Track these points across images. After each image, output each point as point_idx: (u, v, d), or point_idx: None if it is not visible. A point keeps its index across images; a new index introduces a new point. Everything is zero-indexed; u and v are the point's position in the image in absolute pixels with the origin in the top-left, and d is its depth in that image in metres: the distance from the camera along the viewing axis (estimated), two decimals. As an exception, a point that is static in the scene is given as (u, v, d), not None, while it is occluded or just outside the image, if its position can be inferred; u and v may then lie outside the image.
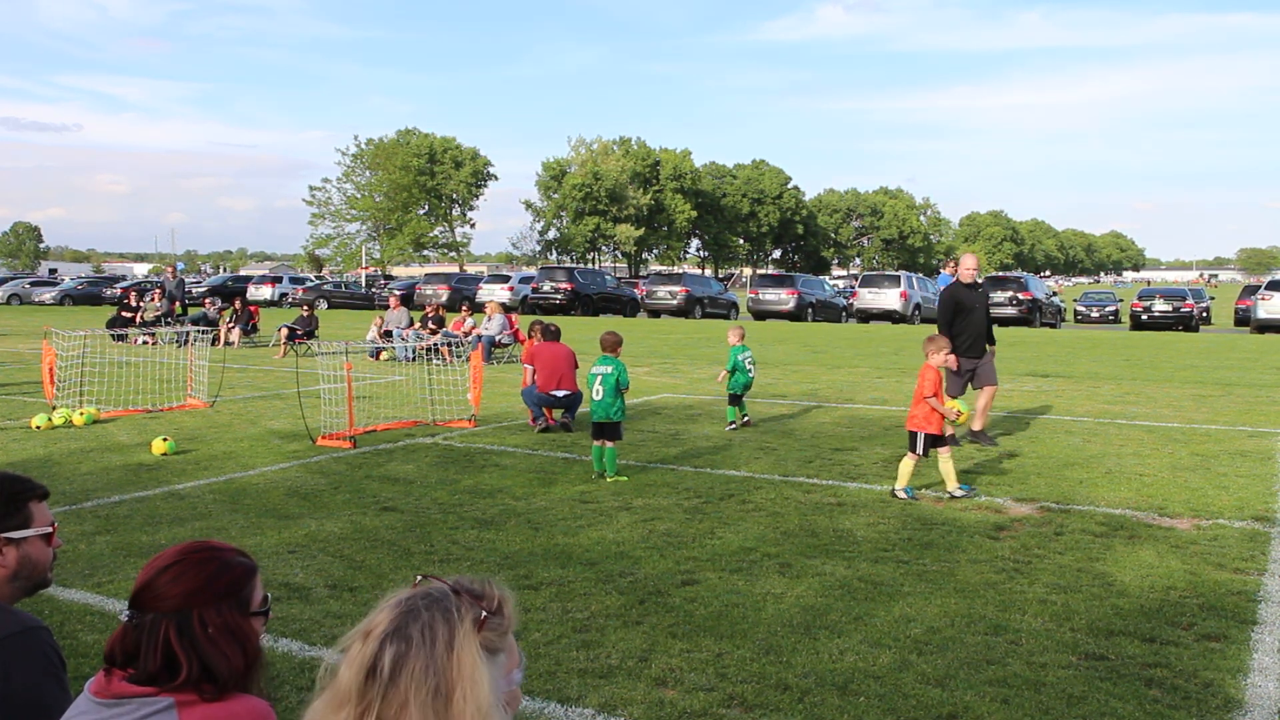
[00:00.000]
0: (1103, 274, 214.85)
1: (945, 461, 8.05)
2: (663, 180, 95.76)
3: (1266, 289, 36.21)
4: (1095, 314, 46.17)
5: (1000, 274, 44.83)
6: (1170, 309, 38.84)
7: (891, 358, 21.25)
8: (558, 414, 11.36)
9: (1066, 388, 15.79)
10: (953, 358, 8.53)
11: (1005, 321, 36.50)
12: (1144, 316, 39.09)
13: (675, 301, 40.07)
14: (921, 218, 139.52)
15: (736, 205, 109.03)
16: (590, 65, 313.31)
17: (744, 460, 9.53)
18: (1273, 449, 10.23)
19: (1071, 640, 4.94)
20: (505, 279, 44.87)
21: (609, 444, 8.69)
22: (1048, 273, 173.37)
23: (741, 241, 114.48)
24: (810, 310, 39.22)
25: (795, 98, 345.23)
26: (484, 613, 1.34)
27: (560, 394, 11.24)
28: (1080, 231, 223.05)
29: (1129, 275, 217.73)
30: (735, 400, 11.52)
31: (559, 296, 39.96)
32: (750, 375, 11.64)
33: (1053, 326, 38.39)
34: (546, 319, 16.79)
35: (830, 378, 17.13)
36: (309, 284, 51.78)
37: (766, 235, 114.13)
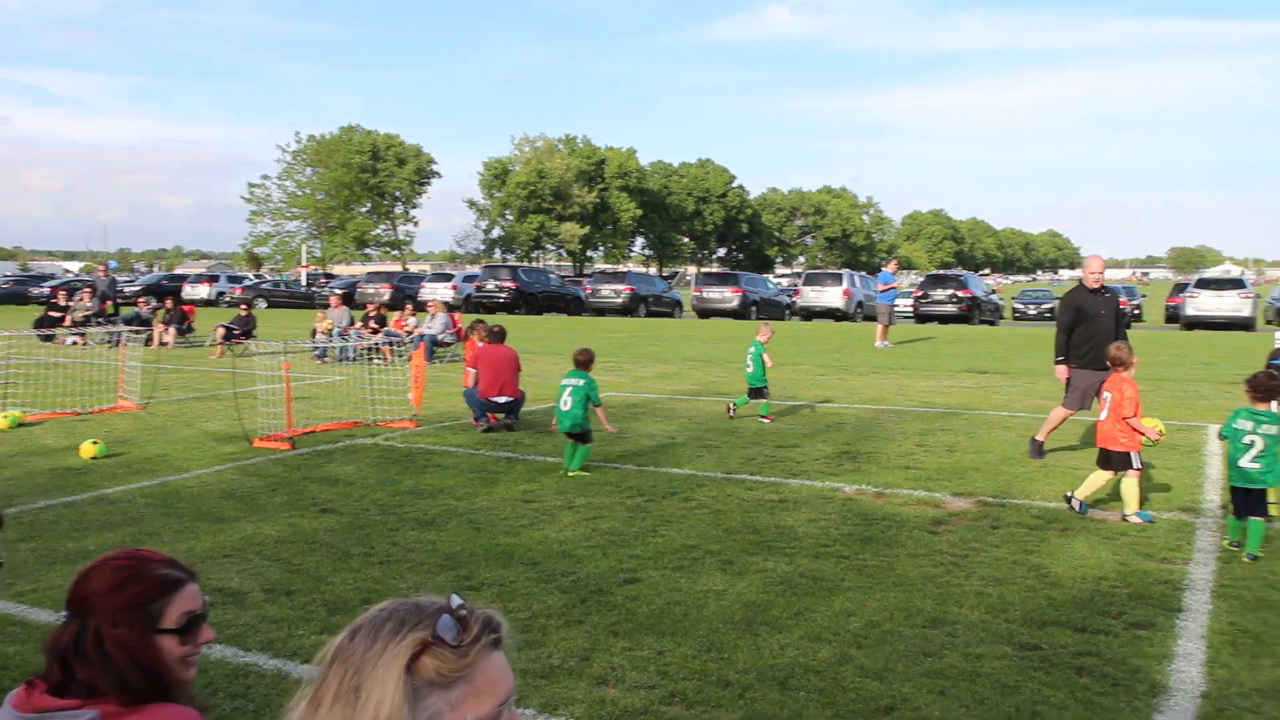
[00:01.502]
0: (1040, 272, 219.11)
1: (1131, 483, 7.38)
2: (608, 179, 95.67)
3: (1195, 287, 37.19)
4: (1032, 311, 47.01)
5: (940, 272, 45.48)
6: (1105, 306, 39.51)
7: (834, 355, 21.45)
8: (500, 414, 11.31)
9: (1004, 384, 16.05)
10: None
11: (946, 319, 37.05)
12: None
13: (620, 300, 40.04)
14: (864, 216, 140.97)
15: (682, 204, 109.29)
16: (535, 63, 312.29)
17: (687, 458, 9.56)
18: (1200, 442, 10.49)
19: (1007, 631, 5.03)
20: (448, 277, 44.50)
21: (580, 444, 8.88)
22: (987, 271, 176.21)
23: (686, 240, 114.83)
24: (754, 308, 39.42)
25: (741, 97, 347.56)
26: (428, 639, 1.30)
27: (502, 400, 11.19)
28: (1018, 230, 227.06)
29: (1065, 273, 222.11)
30: (752, 394, 12.18)
31: (503, 295, 39.74)
32: (749, 369, 12.19)
33: (991, 324, 39.00)
34: (490, 319, 16.69)
35: (773, 375, 17.17)
36: (247, 283, 50.91)
37: (711, 233, 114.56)
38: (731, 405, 12.17)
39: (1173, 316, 41.10)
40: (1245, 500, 6.49)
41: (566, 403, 8.87)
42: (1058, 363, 9.72)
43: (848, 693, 4.31)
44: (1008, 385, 15.83)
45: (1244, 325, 34.72)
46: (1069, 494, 7.63)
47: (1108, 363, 7.86)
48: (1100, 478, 7.50)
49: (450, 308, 26.25)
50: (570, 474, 8.74)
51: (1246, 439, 6.54)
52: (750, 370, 12.17)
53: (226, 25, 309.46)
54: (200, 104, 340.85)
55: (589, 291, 41.89)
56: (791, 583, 5.79)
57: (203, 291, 47.72)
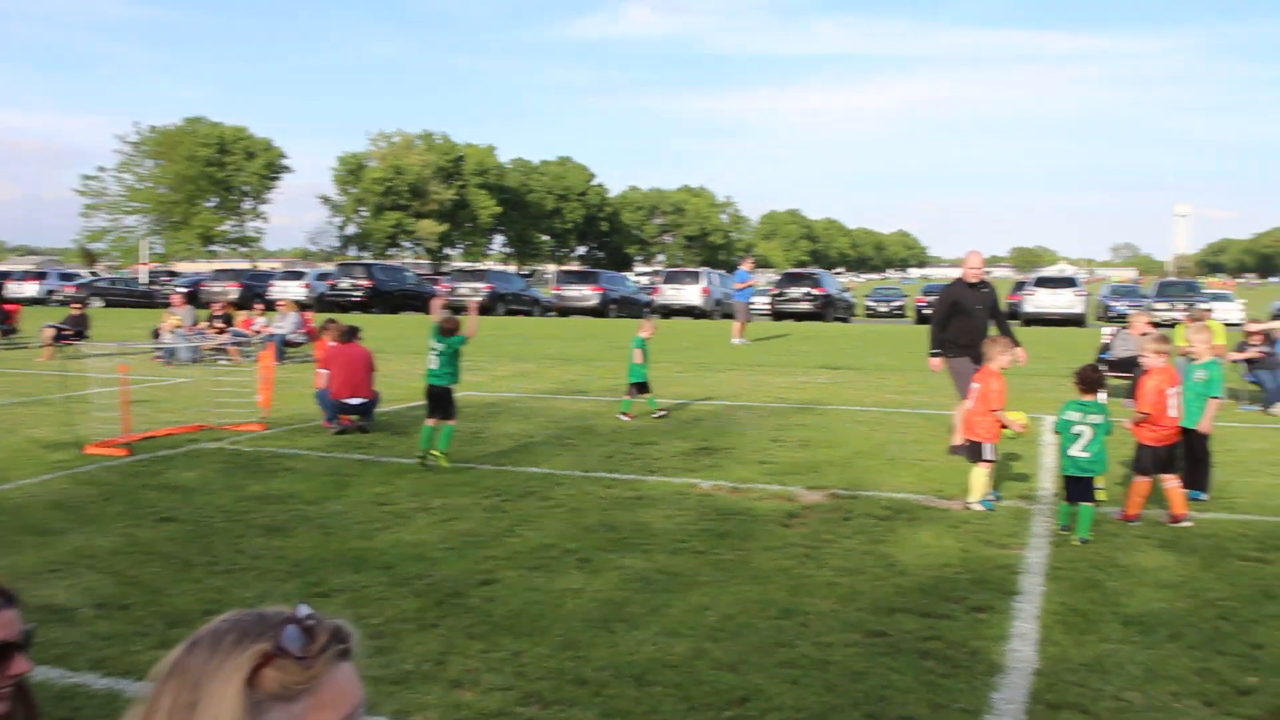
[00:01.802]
0: (891, 270, 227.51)
1: (980, 473, 7.61)
2: (466, 175, 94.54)
3: (1033, 285, 39.29)
4: (884, 308, 48.79)
5: (796, 270, 46.64)
6: (950, 303, 41.34)
7: (692, 352, 21.72)
8: (354, 415, 11.01)
9: (856, 379, 16.54)
10: (1017, 353, 7.88)
11: (801, 316, 38.00)
12: (928, 310, 41.55)
13: (479, 299, 39.56)
14: (722, 216, 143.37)
15: (541, 201, 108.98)
16: (393, 56, 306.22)
17: (545, 457, 9.51)
18: (1036, 433, 11.02)
19: (856, 619, 5.17)
20: (300, 275, 43.13)
21: (446, 421, 8.85)
22: (841, 269, 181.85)
23: (546, 237, 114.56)
24: (613, 306, 39.60)
25: (602, 95, 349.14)
26: (271, 650, 1.22)
27: (355, 401, 10.90)
28: (871, 230, 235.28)
29: (914, 272, 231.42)
30: (640, 389, 11.95)
31: (358, 293, 38.78)
32: (637, 364, 11.99)
33: (844, 321, 40.20)
34: (344, 318, 16.25)
35: (633, 372, 17.31)
36: (80, 280, 48.17)
37: (571, 231, 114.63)
38: (657, 410, 11.99)
39: (1013, 313, 43.24)
40: (1076, 487, 6.85)
41: (434, 363, 8.92)
42: (932, 355, 9.73)
43: (703, 686, 4.36)
44: (860, 381, 16.32)
45: (1076, 321, 36.91)
46: (966, 503, 7.65)
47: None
48: (981, 474, 7.64)
49: (302, 306, 25.45)
50: (434, 453, 8.73)
51: (1076, 429, 6.90)
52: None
53: (51, 5, 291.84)
54: (23, 89, 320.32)
55: (446, 290, 41.29)
56: (648, 579, 5.82)
57: (29, 289, 44.86)
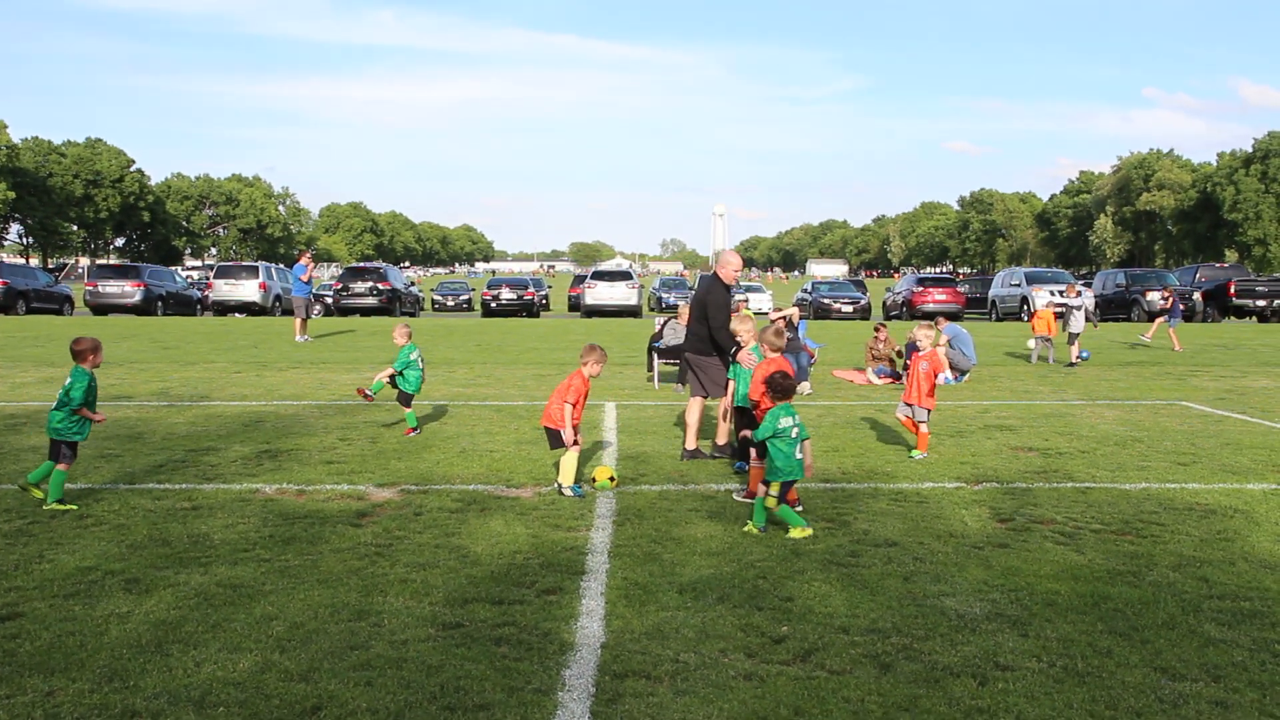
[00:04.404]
0: (457, 264, 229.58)
1: (571, 457, 7.90)
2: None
3: (591, 279, 41.66)
4: (451, 302, 49.27)
5: (361, 264, 45.65)
6: (515, 297, 42.91)
7: (251, 351, 20.51)
8: None
9: (425, 373, 16.47)
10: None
11: (368, 311, 37.28)
12: (493, 304, 42.65)
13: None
14: (280, 207, 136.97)
15: (68, 187, 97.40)
16: None
17: (79, 471, 8.47)
18: (598, 419, 11.68)
19: (430, 614, 5.15)
20: None
21: (58, 466, 7.32)
22: (407, 263, 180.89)
23: (76, 228, 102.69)
24: (160, 304, 36.38)
25: (136, 73, 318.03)
26: None
27: None
28: (436, 224, 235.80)
29: (480, 266, 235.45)
30: (408, 401, 10.77)
31: None
32: (421, 371, 10.94)
33: (412, 315, 40.02)
34: None
35: (184, 375, 16.02)
36: None
37: (106, 221, 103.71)
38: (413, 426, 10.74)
39: (575, 305, 45.69)
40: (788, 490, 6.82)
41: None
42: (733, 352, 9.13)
43: (271, 700, 4.12)
44: (429, 374, 16.26)
45: (632, 313, 39.66)
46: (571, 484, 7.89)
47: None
48: (570, 457, 7.91)
49: None
50: (47, 507, 7.19)
51: (794, 432, 6.82)
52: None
53: None
54: None
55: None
56: (208, 594, 5.40)
57: None
